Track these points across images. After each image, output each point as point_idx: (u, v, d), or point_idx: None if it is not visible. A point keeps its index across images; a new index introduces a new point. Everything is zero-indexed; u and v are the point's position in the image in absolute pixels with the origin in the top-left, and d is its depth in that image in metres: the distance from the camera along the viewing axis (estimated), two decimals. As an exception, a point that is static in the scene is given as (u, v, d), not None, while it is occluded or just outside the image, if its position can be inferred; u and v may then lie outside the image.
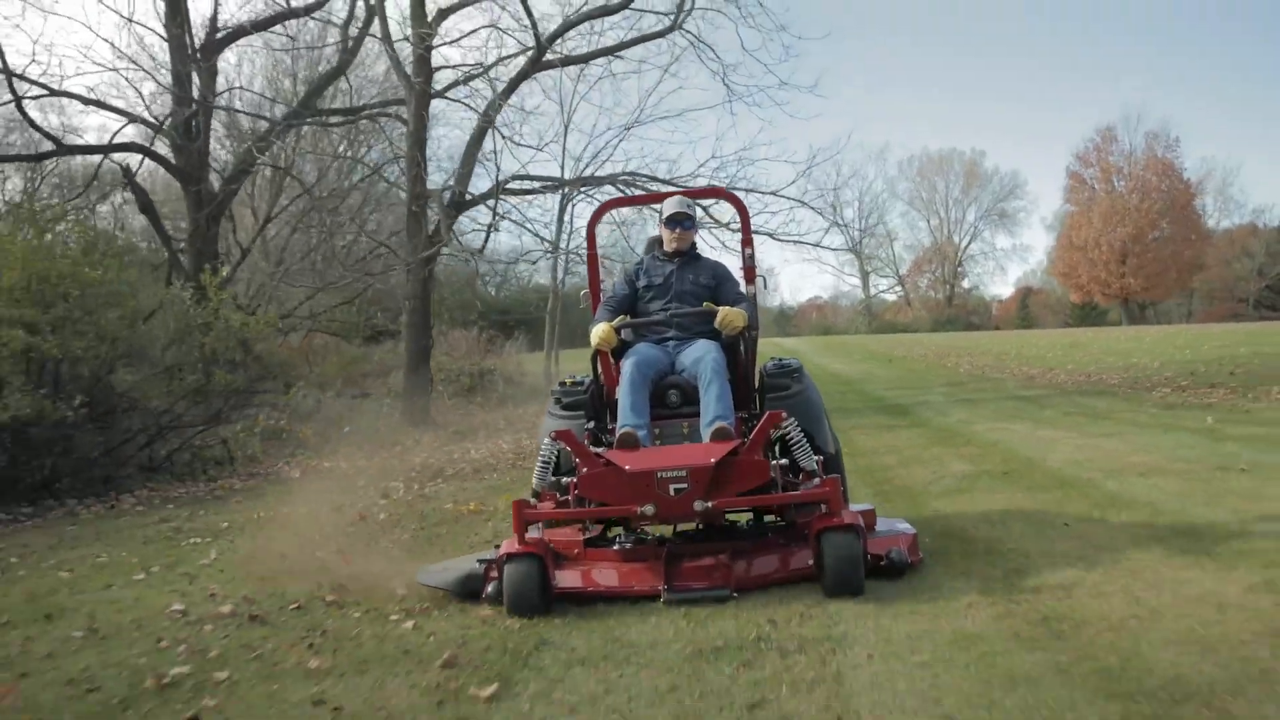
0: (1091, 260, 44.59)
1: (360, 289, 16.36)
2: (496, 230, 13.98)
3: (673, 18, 13.22)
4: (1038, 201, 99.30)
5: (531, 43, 13.11)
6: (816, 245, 14.47)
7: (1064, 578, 3.73)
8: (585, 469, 3.89)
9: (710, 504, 3.69)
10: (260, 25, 15.66)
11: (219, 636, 3.68)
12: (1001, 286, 76.11)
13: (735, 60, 24.31)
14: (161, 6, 14.89)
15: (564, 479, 4.14)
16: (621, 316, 4.57)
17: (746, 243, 5.11)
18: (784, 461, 4.11)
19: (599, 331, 4.43)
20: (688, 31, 13.52)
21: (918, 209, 66.36)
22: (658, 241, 4.93)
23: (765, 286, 5.18)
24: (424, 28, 13.11)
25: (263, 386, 11.28)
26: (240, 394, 10.10)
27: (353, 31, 15.03)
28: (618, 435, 4.03)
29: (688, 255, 4.79)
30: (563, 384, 4.76)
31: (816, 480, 3.96)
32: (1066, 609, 3.34)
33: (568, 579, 3.96)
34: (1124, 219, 43.77)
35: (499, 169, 12.84)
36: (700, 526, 4.30)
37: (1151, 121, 61.29)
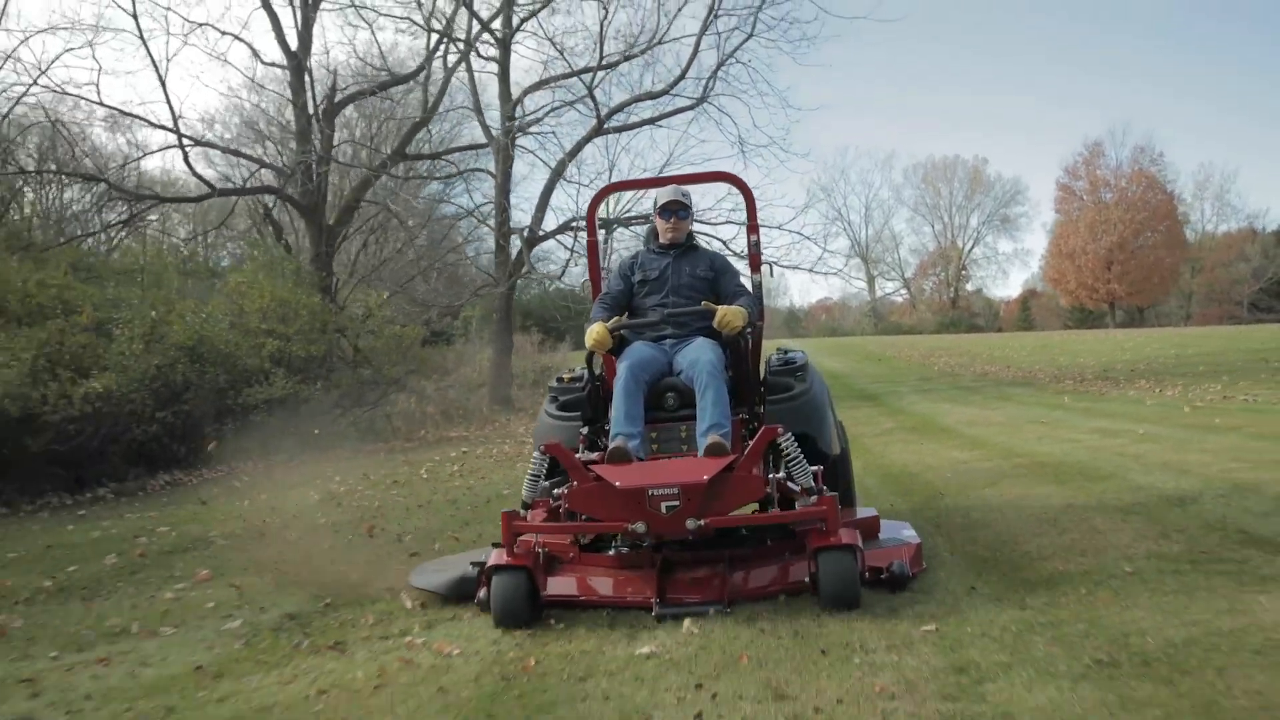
0: (1079, 267, 48.85)
1: (455, 304, 20.71)
2: (575, 264, 18.26)
3: (697, 98, 17.57)
4: (1039, 207, 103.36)
5: (593, 118, 17.47)
6: (811, 270, 18.73)
7: (909, 459, 8.04)
8: (575, 483, 3.86)
9: (703, 522, 3.64)
10: (370, 92, 20.04)
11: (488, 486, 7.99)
12: (1004, 289, 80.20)
13: (746, 126, 28.69)
14: (287, 76, 19.37)
15: (557, 488, 4.08)
16: (617, 317, 4.45)
17: (753, 229, 4.92)
18: (781, 475, 3.99)
19: (593, 333, 4.32)
20: (710, 104, 17.86)
21: (922, 214, 70.49)
22: (654, 233, 4.77)
23: (772, 274, 5.21)
24: (509, 105, 17.49)
25: (396, 375, 15.63)
26: (393, 381, 14.51)
27: (433, 90, 19.40)
28: (609, 448, 3.97)
29: (684, 246, 4.66)
30: (560, 380, 4.66)
31: (813, 499, 3.85)
32: (897, 465, 7.65)
33: (559, 586, 3.96)
34: (1109, 228, 47.95)
35: (576, 211, 17.17)
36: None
37: (1137, 135, 65.59)
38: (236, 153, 20.01)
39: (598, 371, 4.54)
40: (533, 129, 17.96)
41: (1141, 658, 2.84)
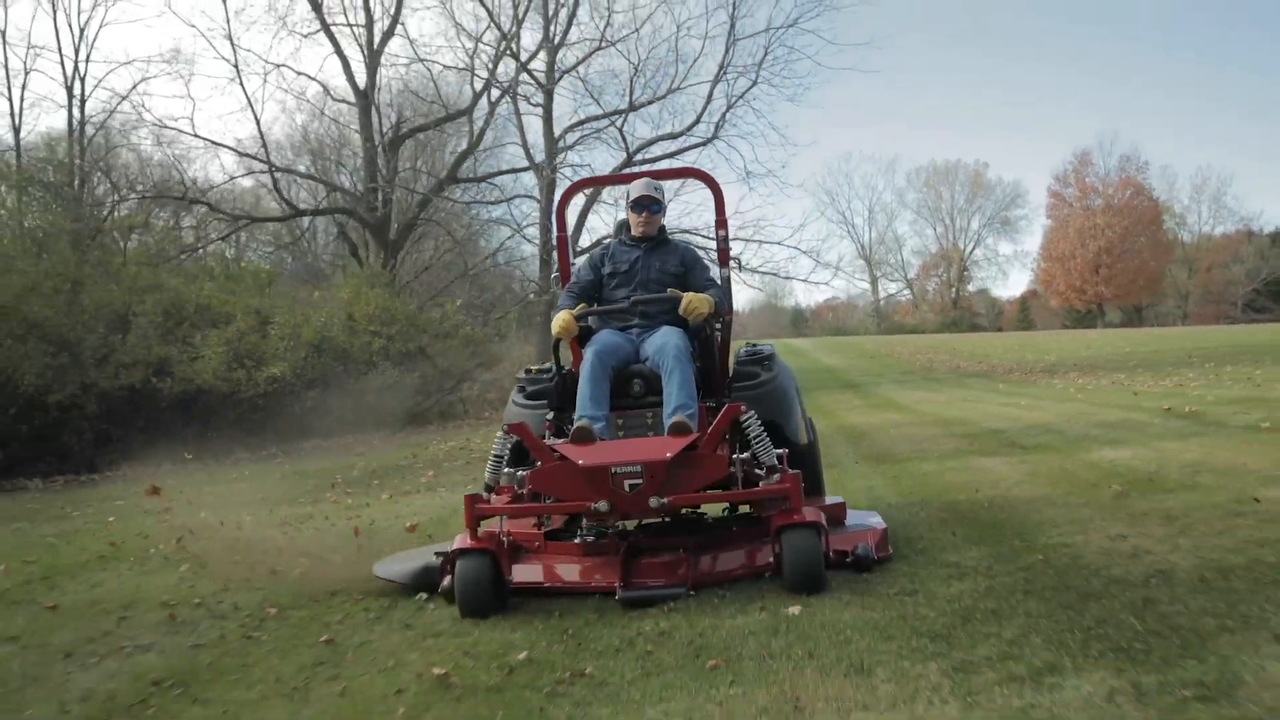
0: (1068, 270, 52.46)
1: (508, 308, 24.48)
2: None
3: (709, 137, 21.35)
4: (1039, 210, 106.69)
5: (623, 152, 21.21)
6: (805, 280, 22.48)
7: (870, 422, 11.74)
8: (539, 463, 3.92)
9: (666, 500, 3.68)
10: (428, 127, 23.82)
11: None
12: (1005, 290, 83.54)
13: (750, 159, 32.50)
14: (355, 113, 23.14)
15: (520, 472, 4.07)
16: (582, 304, 4.51)
17: (720, 224, 5.03)
18: (745, 455, 4.02)
19: (559, 319, 4.39)
20: (720, 140, 21.60)
21: (925, 217, 73.94)
22: (626, 226, 4.83)
23: (740, 269, 5.79)
24: (552, 142, 21.24)
25: (467, 367, 19.37)
26: (465, 372, 18.29)
27: (479, 124, 23.14)
28: (573, 428, 3.99)
29: (656, 240, 4.74)
30: (528, 371, 4.77)
31: (776, 476, 3.90)
32: (860, 428, 11.36)
33: (525, 573, 4.01)
34: (1097, 234, 51.53)
35: (607, 230, 20.94)
36: (667, 519, 4.23)
37: (1124, 145, 69.10)
38: (317, 179, 23.82)
39: (564, 362, 4.59)
40: (571, 162, 21.72)
41: (930, 486, 6.52)
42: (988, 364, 25.05)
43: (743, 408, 4.00)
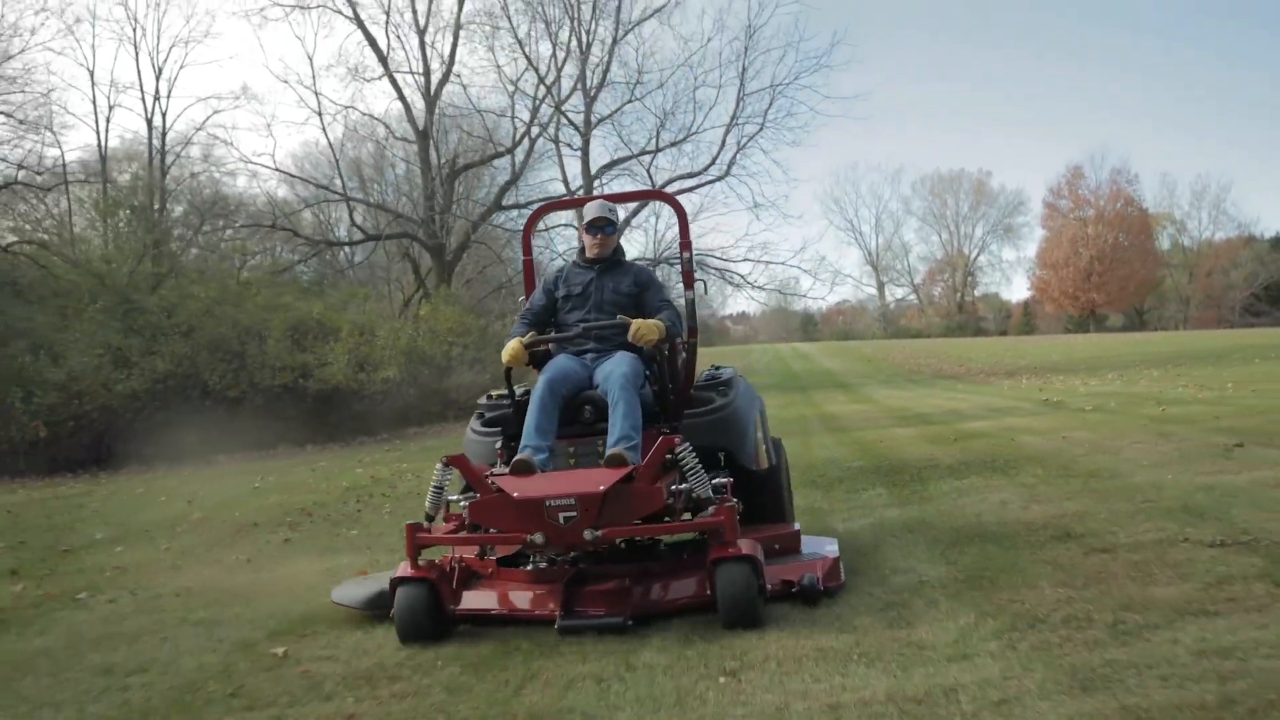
0: (1062, 278, 56.53)
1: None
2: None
3: (722, 174, 25.69)
4: (1039, 218, 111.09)
5: (649, 186, 25.48)
6: (804, 297, 26.65)
7: (850, 411, 15.98)
8: (478, 494, 3.97)
9: (600, 533, 3.73)
10: (479, 163, 28.13)
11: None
12: (1009, 294, 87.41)
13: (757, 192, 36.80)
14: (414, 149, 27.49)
15: (463, 501, 4.11)
16: (533, 332, 4.58)
17: (685, 246, 5.08)
18: (684, 486, 4.03)
19: (509, 348, 4.47)
20: (732, 177, 25.87)
21: (930, 224, 77.90)
22: (582, 249, 4.86)
23: (705, 292, 5.19)
24: (589, 178, 25.55)
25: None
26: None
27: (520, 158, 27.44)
28: (514, 460, 4.04)
29: (609, 261, 4.75)
30: (489, 397, 4.89)
31: (710, 509, 3.95)
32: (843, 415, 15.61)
33: (474, 600, 4.09)
34: (1089, 243, 55.59)
35: (638, 254, 25.36)
36: (622, 544, 4.24)
37: (1114, 159, 73.18)
38: (384, 208, 28.15)
39: (518, 389, 4.56)
40: (604, 195, 25.97)
41: (861, 444, 10.71)
42: (966, 368, 29.19)
43: (676, 440, 4.03)
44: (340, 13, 25.44)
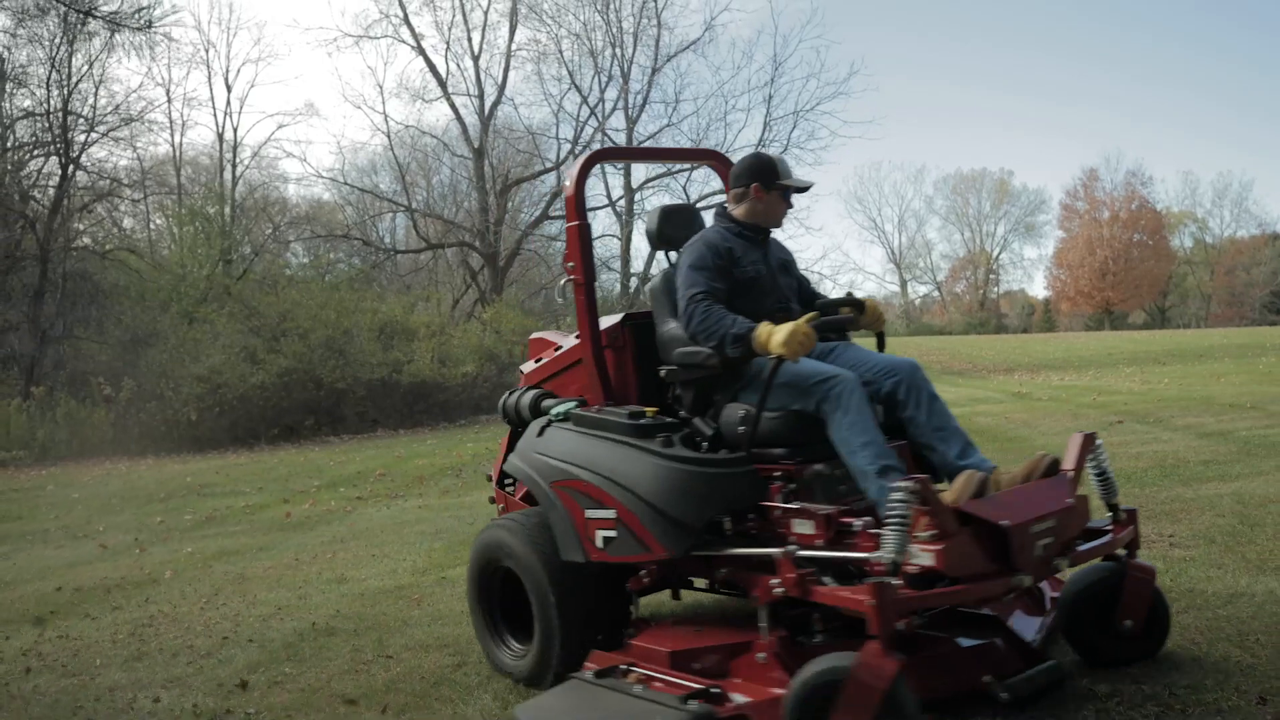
0: (1077, 277, 59.27)
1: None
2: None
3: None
4: (1058, 219, 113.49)
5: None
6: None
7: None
8: (939, 532, 2.75)
9: (1067, 560, 3.02)
10: (530, 178, 31.56)
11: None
12: (1033, 291, 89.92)
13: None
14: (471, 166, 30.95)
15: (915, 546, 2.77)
16: (814, 313, 3.33)
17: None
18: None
19: (795, 334, 3.18)
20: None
21: (952, 222, 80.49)
22: (725, 211, 3.75)
23: None
24: (629, 194, 28.95)
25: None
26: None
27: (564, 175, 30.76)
28: (962, 476, 2.97)
29: (764, 232, 3.79)
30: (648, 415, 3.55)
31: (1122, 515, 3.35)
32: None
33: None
34: (1104, 244, 58.31)
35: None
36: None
37: (1129, 161, 75.70)
38: (444, 219, 31.64)
39: (567, 404, 3.84)
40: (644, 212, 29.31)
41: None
42: (972, 364, 32.22)
43: (1097, 438, 3.27)
44: (405, 42, 28.98)
